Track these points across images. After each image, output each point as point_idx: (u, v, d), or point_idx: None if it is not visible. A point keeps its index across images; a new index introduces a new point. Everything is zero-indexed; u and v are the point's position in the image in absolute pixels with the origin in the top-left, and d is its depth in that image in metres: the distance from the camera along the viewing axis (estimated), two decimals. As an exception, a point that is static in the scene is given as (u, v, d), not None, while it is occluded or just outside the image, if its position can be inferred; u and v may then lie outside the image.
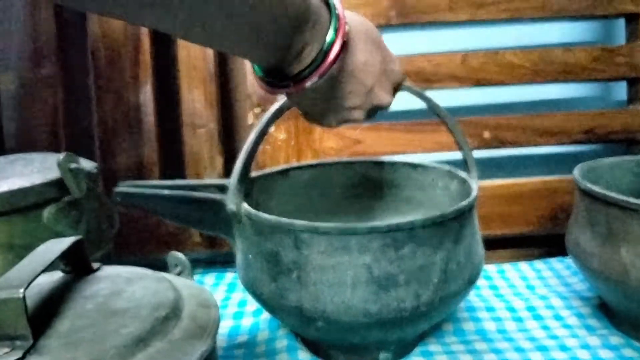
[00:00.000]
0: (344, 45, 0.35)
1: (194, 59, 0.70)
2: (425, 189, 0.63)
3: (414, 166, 0.64)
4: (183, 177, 0.74)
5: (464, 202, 0.48)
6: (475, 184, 0.53)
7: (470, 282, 0.49)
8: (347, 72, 0.38)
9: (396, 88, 0.45)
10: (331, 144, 0.73)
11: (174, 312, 0.34)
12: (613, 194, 0.51)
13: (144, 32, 0.68)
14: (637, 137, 0.74)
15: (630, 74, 0.74)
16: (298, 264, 0.44)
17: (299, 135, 0.73)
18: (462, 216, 0.47)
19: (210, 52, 0.71)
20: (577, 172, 0.58)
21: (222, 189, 0.51)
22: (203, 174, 0.74)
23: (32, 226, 0.50)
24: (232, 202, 0.49)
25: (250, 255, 0.48)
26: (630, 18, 0.74)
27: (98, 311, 0.33)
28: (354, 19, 0.38)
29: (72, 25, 0.70)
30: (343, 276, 0.43)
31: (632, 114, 0.74)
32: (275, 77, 0.36)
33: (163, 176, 0.73)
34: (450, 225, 0.46)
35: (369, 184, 0.66)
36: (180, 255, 0.38)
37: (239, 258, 0.51)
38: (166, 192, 0.49)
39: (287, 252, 0.45)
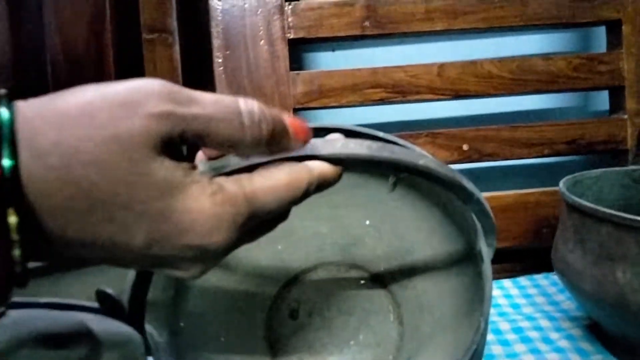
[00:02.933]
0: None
1: (160, 73, 0.62)
2: None
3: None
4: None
5: None
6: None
7: None
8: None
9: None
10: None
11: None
12: (606, 210, 0.43)
13: (108, 41, 0.60)
14: (621, 147, 0.67)
15: (612, 83, 0.66)
16: None
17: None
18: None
19: (178, 65, 0.63)
20: (562, 185, 0.50)
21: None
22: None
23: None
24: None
25: None
26: (611, 25, 0.67)
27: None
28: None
29: (29, 38, 0.62)
30: None
31: (615, 123, 0.67)
32: None
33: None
34: None
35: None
36: (109, 291, 0.30)
37: None
38: None
39: None
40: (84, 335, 0.26)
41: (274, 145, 0.23)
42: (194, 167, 0.22)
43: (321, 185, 0.25)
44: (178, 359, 0.38)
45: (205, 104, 0.21)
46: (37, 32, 0.62)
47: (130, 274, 0.29)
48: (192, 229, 0.20)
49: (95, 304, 0.31)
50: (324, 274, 0.49)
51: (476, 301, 0.38)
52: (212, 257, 0.22)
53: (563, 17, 0.66)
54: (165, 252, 0.20)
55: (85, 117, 0.19)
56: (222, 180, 0.22)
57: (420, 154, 0.27)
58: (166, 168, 0.20)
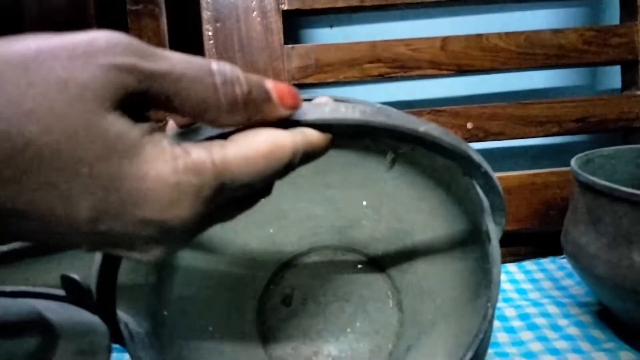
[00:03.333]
0: None
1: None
2: None
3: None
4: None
5: None
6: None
7: None
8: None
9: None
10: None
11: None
12: (623, 188, 0.39)
13: (90, 12, 0.56)
14: (634, 125, 0.63)
15: (625, 57, 0.62)
16: None
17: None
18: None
19: (165, 38, 0.60)
20: (574, 163, 0.47)
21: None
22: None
23: None
24: None
25: None
26: (625, -5, 0.63)
27: None
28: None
29: (6, 8, 0.58)
30: None
31: (627, 100, 0.63)
32: None
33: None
34: None
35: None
36: (75, 277, 0.27)
37: None
38: None
39: None
40: (37, 324, 0.23)
41: (253, 111, 0.20)
42: (156, 130, 0.19)
43: (308, 155, 0.22)
44: (161, 350, 0.35)
45: (175, 61, 0.18)
46: (14, 3, 0.58)
47: (97, 256, 0.26)
48: (148, 200, 0.17)
49: (61, 291, 0.28)
50: (319, 258, 0.46)
51: (482, 286, 0.35)
52: (174, 236, 0.18)
53: (574, -13, 0.62)
54: (116, 228, 0.17)
55: (33, 65, 0.16)
56: (188, 145, 0.19)
57: (421, 121, 0.24)
58: (121, 124, 0.17)
